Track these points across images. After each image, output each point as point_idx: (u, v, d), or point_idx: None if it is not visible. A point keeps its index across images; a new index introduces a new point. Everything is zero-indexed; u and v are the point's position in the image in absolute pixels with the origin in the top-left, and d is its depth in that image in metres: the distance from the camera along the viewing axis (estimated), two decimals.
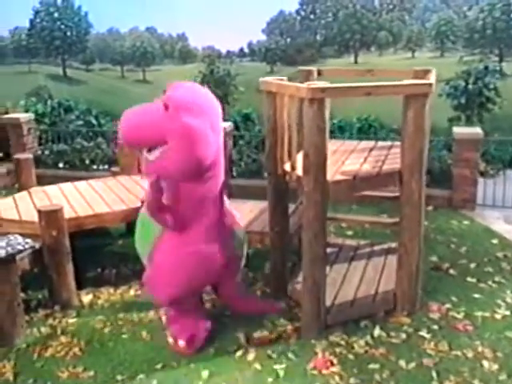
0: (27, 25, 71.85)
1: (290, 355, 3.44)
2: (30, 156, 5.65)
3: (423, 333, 3.66)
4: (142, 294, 4.19)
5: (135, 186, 5.17)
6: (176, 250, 3.36)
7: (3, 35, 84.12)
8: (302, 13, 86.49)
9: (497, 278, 4.49)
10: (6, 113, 8.45)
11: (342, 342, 3.55)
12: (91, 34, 76.16)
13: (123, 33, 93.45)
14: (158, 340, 3.66)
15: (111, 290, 4.41)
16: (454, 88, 28.88)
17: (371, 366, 3.33)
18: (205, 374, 3.30)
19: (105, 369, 3.38)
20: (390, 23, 76.68)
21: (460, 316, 3.89)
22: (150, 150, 3.20)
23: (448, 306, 4.03)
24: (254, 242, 4.42)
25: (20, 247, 3.56)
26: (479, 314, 3.92)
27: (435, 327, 3.74)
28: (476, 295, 4.20)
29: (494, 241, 5.33)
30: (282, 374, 3.28)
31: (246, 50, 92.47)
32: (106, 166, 7.88)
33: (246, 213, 4.70)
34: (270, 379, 3.23)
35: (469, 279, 4.49)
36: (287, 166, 3.80)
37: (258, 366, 3.35)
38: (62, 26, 69.05)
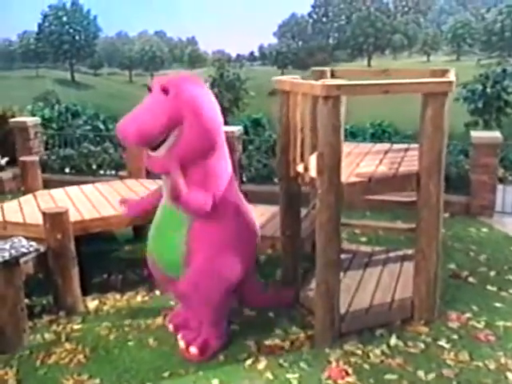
0: (36, 29, 72.85)
1: (303, 364, 3.38)
2: (36, 158, 5.67)
3: (442, 342, 3.59)
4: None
5: (142, 189, 5.16)
6: (220, 230, 3.32)
7: (12, 39, 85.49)
8: (315, 16, 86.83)
9: None
10: (13, 117, 8.51)
11: (358, 351, 3.49)
12: (100, 37, 77.01)
13: (132, 37, 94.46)
14: (166, 347, 3.62)
15: (117, 296, 4.38)
16: (472, 92, 28.75)
17: (388, 376, 3.26)
18: (215, 382, 3.25)
19: (110, 377, 3.34)
20: (405, 26, 76.64)
21: (481, 325, 3.81)
22: (154, 149, 3.17)
23: (468, 315, 3.95)
24: (265, 246, 4.37)
25: (24, 250, 3.55)
26: (501, 323, 3.83)
27: (455, 337, 3.66)
28: (497, 304, 4.12)
29: None
30: (295, 383, 3.22)
31: (257, 54, 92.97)
32: (114, 172, 7.92)
33: (256, 217, 4.65)
34: None
35: (489, 288, 4.40)
36: (300, 168, 3.76)
37: (269, 375, 3.30)
38: (71, 30, 69.97)
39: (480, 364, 3.36)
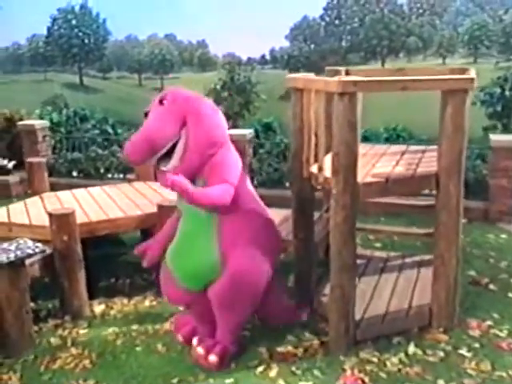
0: (45, 32, 73.73)
1: (317, 372, 3.32)
2: (43, 160, 5.71)
3: (463, 351, 3.51)
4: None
5: (150, 192, 5.15)
6: (247, 225, 3.33)
7: (20, 43, 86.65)
8: (327, 18, 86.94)
9: None
10: (21, 120, 8.58)
11: (374, 359, 3.42)
12: (109, 41, 77.73)
13: (141, 40, 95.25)
14: (174, 353, 3.58)
15: (125, 301, 4.37)
16: (490, 95, 28.51)
17: None
18: None
19: (117, 383, 3.31)
20: (420, 28, 76.46)
21: (503, 334, 3.72)
22: (161, 161, 3.25)
23: (489, 322, 3.87)
24: None
25: (30, 251, 3.55)
26: None
27: (476, 345, 3.58)
28: None
29: None
30: None
31: (268, 57, 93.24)
32: (121, 175, 7.93)
33: None
34: None
35: (511, 295, 4.31)
36: (314, 168, 3.71)
37: (281, 382, 3.24)
38: (80, 34, 70.71)
39: (503, 374, 3.27)
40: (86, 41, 71.29)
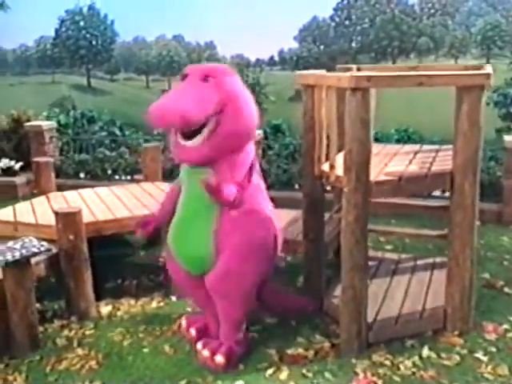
0: (52, 34, 74.28)
1: (328, 375, 3.28)
2: (50, 159, 5.71)
3: (479, 355, 3.45)
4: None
5: (158, 192, 5.13)
6: (247, 218, 3.29)
7: (28, 45, 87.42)
8: (337, 19, 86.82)
9: None
10: (28, 121, 8.62)
11: (387, 362, 3.37)
12: (117, 42, 78.15)
13: (149, 41, 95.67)
14: (182, 355, 3.55)
15: (132, 302, 4.35)
16: (503, 96, 28.30)
17: None
18: None
19: None
20: (432, 29, 76.15)
21: None
22: (189, 137, 3.12)
23: (506, 326, 3.81)
24: (286, 251, 4.28)
25: (35, 250, 3.54)
26: None
27: (492, 349, 3.52)
28: None
29: None
30: None
31: (277, 59, 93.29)
32: (129, 177, 7.95)
33: (277, 220, 4.58)
34: None
35: None
36: (325, 166, 3.68)
37: None
38: (88, 35, 71.10)
39: None
40: (94, 42, 71.70)
